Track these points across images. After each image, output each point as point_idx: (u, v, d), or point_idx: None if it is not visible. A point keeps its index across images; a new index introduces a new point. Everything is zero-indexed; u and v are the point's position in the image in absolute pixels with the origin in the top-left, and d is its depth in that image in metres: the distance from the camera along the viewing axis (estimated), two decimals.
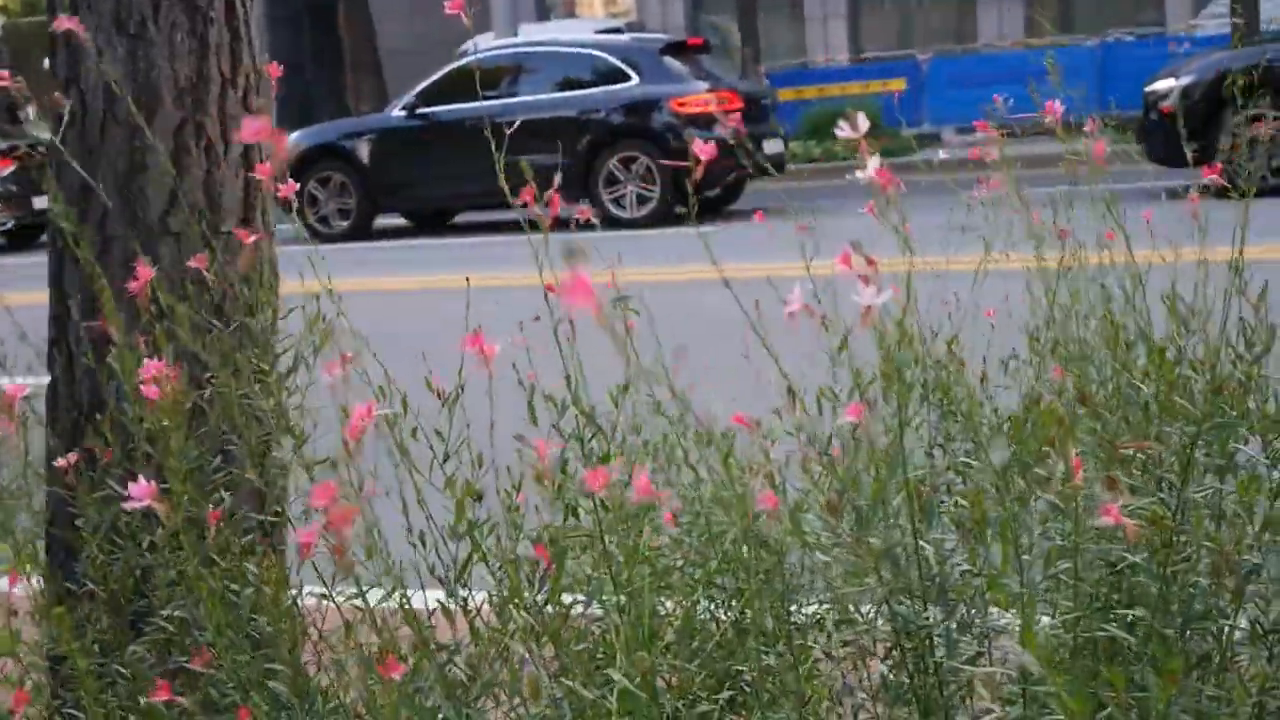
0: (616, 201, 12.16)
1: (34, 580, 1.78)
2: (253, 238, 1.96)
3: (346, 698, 1.65)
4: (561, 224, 1.59)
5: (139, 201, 2.14)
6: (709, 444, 1.60)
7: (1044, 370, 1.99)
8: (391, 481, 1.45)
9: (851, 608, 1.69)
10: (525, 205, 1.39)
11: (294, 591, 1.70)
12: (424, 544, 1.64)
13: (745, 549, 1.78)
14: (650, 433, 1.93)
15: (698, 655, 1.68)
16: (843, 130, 1.25)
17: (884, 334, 1.35)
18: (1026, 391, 1.96)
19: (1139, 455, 1.63)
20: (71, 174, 2.16)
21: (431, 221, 13.51)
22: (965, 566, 1.52)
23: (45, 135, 2.21)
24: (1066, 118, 2.02)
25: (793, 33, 22.16)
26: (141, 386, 1.52)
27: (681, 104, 12.05)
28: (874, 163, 1.24)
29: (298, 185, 1.92)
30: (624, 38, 13.72)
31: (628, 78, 12.48)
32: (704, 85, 12.30)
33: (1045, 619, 1.50)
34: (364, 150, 12.98)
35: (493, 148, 1.83)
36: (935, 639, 1.51)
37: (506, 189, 1.68)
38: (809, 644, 1.73)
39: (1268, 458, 1.67)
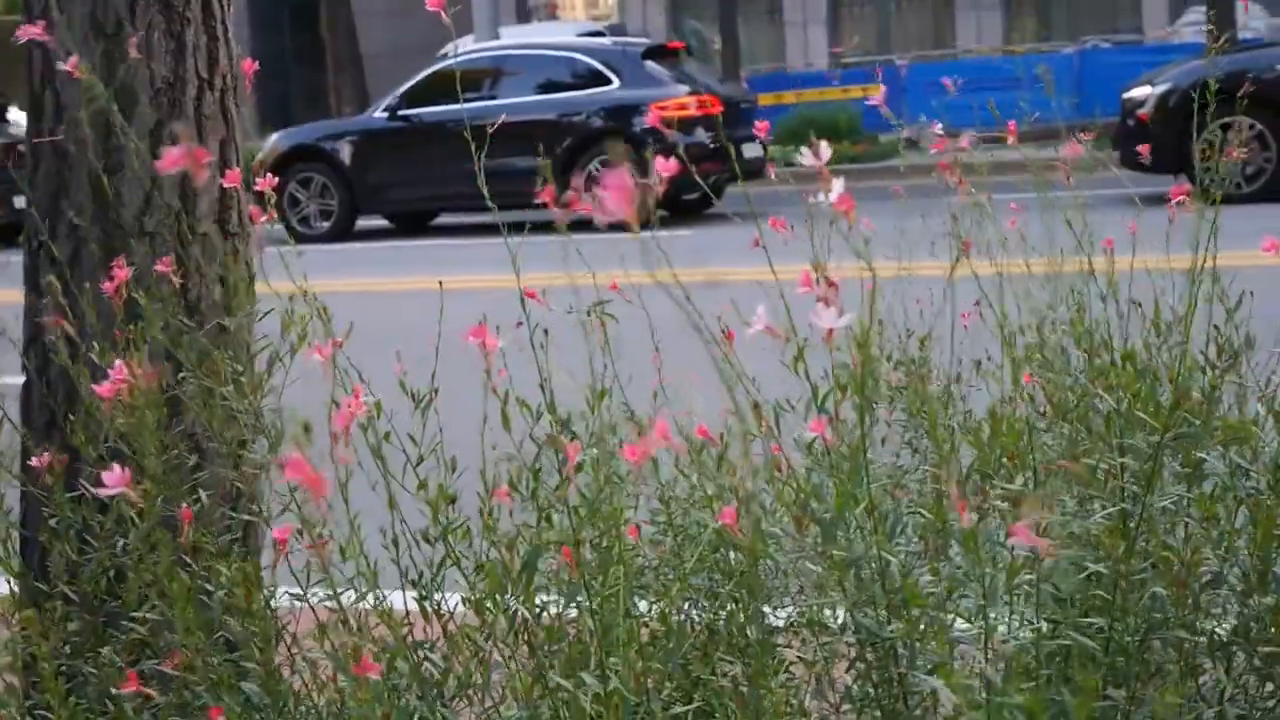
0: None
1: (6, 580, 1.77)
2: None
3: (320, 699, 1.64)
4: (549, 225, 1.59)
5: (114, 202, 2.13)
6: (698, 452, 1.61)
7: (1015, 375, 2.00)
8: (365, 484, 1.45)
9: (823, 614, 1.70)
10: (545, 205, 1.39)
11: (268, 592, 1.69)
12: (397, 547, 1.64)
13: (719, 551, 1.79)
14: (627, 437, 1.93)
15: (671, 658, 1.68)
16: (805, 157, 1.26)
17: (844, 349, 1.35)
18: (994, 398, 1.97)
19: (1100, 466, 1.64)
20: (47, 174, 2.15)
21: (412, 223, 13.50)
22: (928, 577, 1.52)
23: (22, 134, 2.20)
24: (1043, 123, 2.04)
25: (772, 37, 22.22)
26: (96, 387, 1.51)
27: (662, 107, 12.07)
28: (838, 187, 1.24)
29: (275, 182, 1.91)
30: (605, 41, 13.74)
31: (608, 81, 12.50)
32: (684, 89, 12.33)
33: (1002, 628, 1.51)
34: (346, 151, 12.97)
35: (479, 149, 1.83)
36: (898, 649, 1.51)
37: (486, 192, 1.69)
38: (781, 647, 1.73)
39: (1229, 468, 1.68)
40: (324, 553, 1.28)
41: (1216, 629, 1.58)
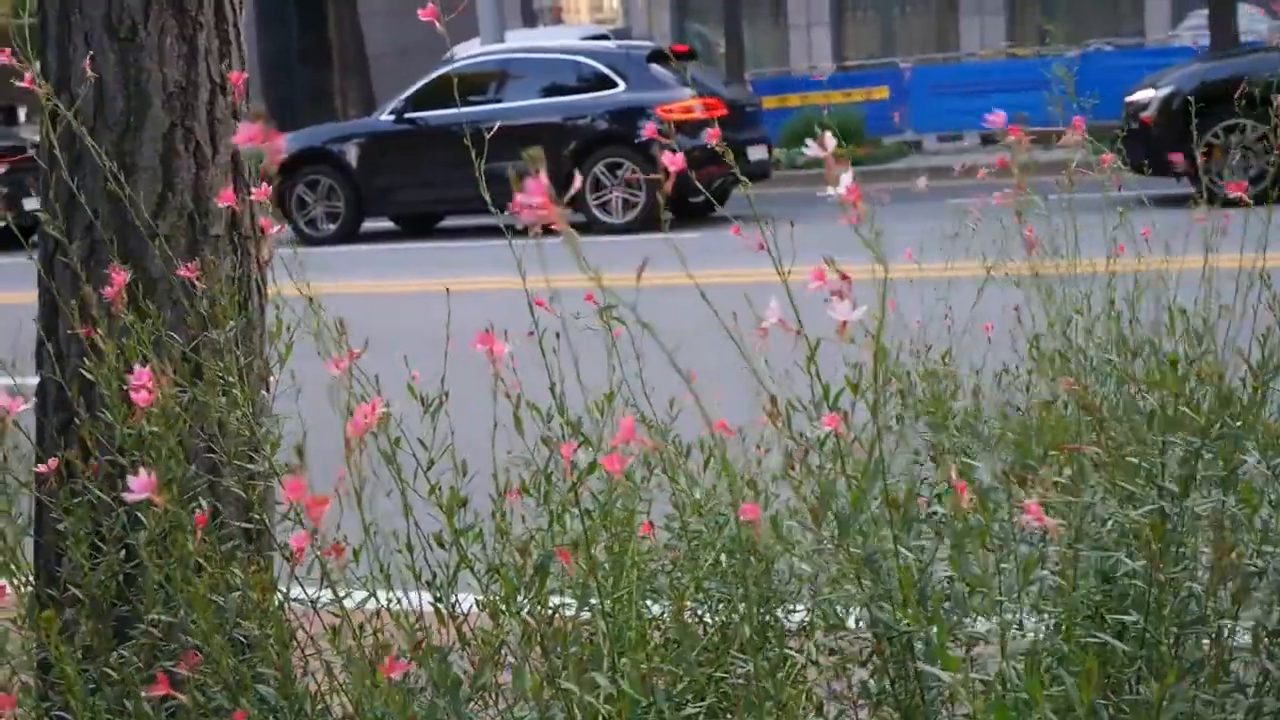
0: (603, 206, 12.19)
1: (19, 584, 1.78)
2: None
3: (334, 701, 1.65)
4: (547, 230, 1.60)
5: (128, 204, 2.15)
6: (704, 454, 1.61)
7: (1044, 378, 2.01)
8: (377, 486, 1.46)
9: (838, 611, 1.70)
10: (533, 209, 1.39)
11: (281, 594, 1.70)
12: (410, 551, 1.65)
13: (731, 556, 1.80)
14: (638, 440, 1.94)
15: (684, 660, 1.69)
16: (811, 149, 1.27)
17: (858, 345, 1.36)
18: (1024, 399, 1.98)
19: (1142, 464, 1.65)
20: (61, 176, 2.16)
21: (418, 225, 13.52)
22: (947, 573, 1.53)
23: (37, 137, 2.22)
24: (1049, 127, 2.05)
25: (777, 41, 22.23)
26: (132, 393, 1.52)
27: (668, 111, 12.09)
28: (846, 179, 1.25)
29: (269, 191, 1.92)
30: (610, 45, 13.75)
31: (614, 84, 12.52)
32: (689, 92, 12.35)
33: (1029, 625, 1.52)
34: (352, 154, 13.01)
35: (480, 153, 1.85)
36: (915, 645, 1.52)
37: (488, 196, 1.70)
38: (793, 651, 1.74)
39: (1270, 471, 1.69)
40: (340, 559, 1.30)
41: (1261, 622, 1.59)
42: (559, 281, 1.72)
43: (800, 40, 22.06)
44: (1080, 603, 1.53)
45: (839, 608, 1.74)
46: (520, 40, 15.36)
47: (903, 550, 1.46)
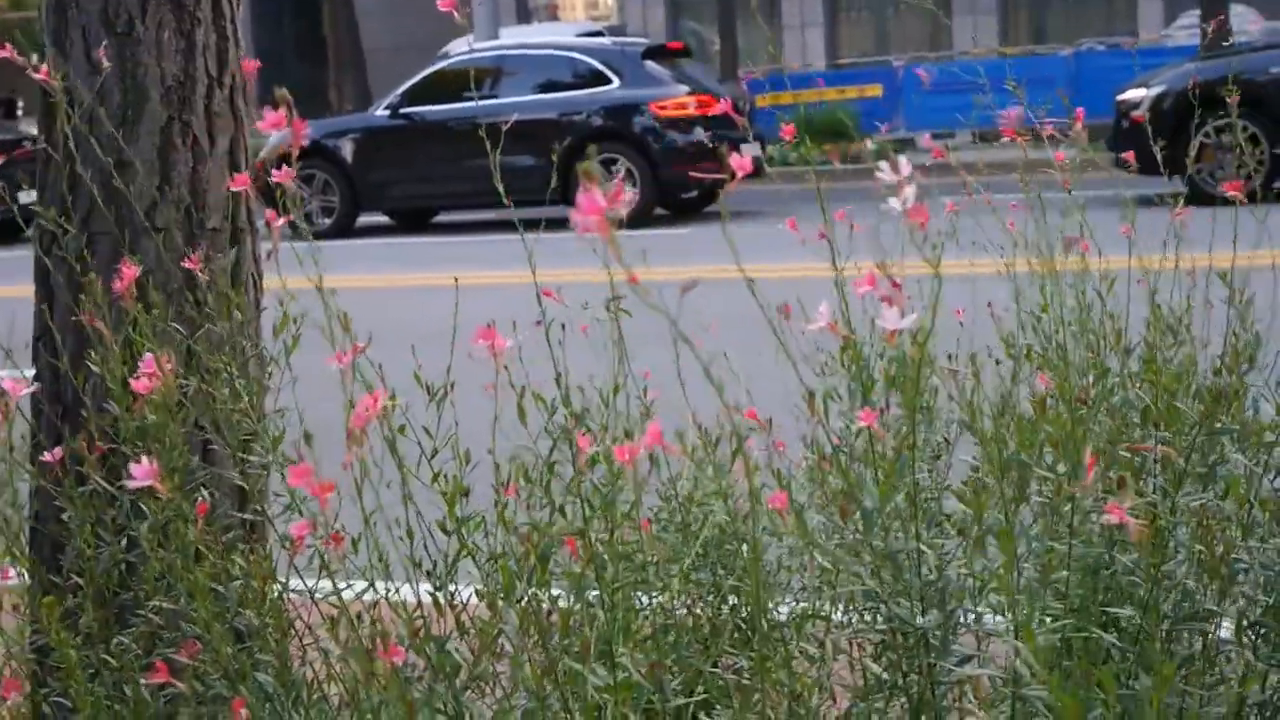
0: None
1: (19, 572, 1.80)
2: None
3: (331, 689, 1.67)
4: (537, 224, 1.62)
5: (124, 198, 2.16)
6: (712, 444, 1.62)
7: (1023, 373, 2.03)
8: (377, 477, 1.47)
9: (840, 607, 1.72)
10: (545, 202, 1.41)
11: (280, 584, 1.72)
12: (411, 540, 1.67)
13: (720, 547, 1.81)
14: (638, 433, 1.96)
15: (675, 651, 1.71)
16: (885, 174, 1.26)
17: (897, 348, 1.38)
18: (1002, 394, 2.00)
19: (1134, 458, 1.67)
20: (58, 169, 2.18)
21: (413, 220, 13.53)
22: (963, 569, 1.55)
23: (34, 130, 2.23)
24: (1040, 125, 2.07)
25: (771, 39, 22.25)
26: (133, 381, 1.54)
27: (661, 107, 12.11)
28: (911, 194, 1.25)
29: (292, 175, 1.93)
30: (605, 41, 13.77)
31: (609, 81, 12.53)
32: (684, 89, 12.37)
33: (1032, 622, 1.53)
34: (348, 149, 13.01)
35: (476, 148, 1.86)
36: (930, 640, 1.54)
37: (501, 188, 1.71)
38: (784, 641, 1.76)
39: (1257, 465, 1.71)
40: (339, 548, 1.31)
41: (1245, 611, 1.61)
42: (554, 276, 1.74)
43: (794, 39, 22.08)
44: (1075, 599, 1.56)
45: (829, 602, 1.76)
46: (516, 36, 15.37)
47: (922, 546, 1.48)
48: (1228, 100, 2.03)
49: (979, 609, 1.56)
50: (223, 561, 1.62)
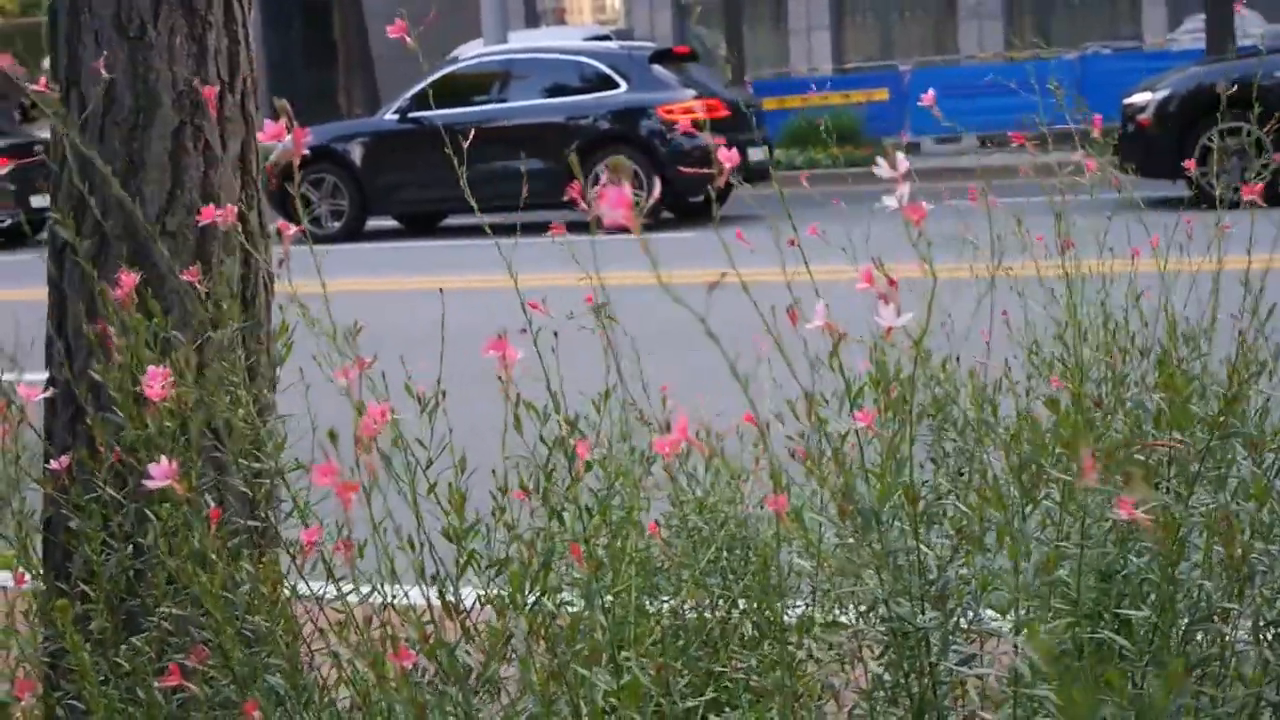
0: None
1: (29, 577, 1.80)
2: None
3: (340, 693, 1.68)
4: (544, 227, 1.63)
5: (137, 202, 2.17)
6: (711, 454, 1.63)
7: (1042, 380, 2.03)
8: (386, 483, 1.48)
9: (846, 609, 1.73)
10: (572, 202, 1.43)
11: (290, 588, 1.72)
12: (414, 547, 1.67)
13: (731, 551, 1.82)
14: (639, 438, 1.97)
15: (684, 654, 1.71)
16: (882, 169, 1.28)
17: (885, 346, 1.39)
18: (1024, 402, 2.01)
19: (1149, 460, 1.68)
20: (71, 173, 2.19)
21: (422, 224, 13.57)
22: (963, 570, 1.56)
23: (45, 135, 2.24)
24: (1046, 129, 2.08)
25: (777, 43, 22.27)
26: (145, 389, 1.55)
27: (669, 111, 12.13)
28: (905, 192, 1.26)
29: (280, 188, 1.95)
30: (613, 46, 13.79)
31: (616, 85, 12.56)
32: (691, 93, 12.38)
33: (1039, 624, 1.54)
34: (357, 153, 13.06)
35: (484, 152, 1.87)
36: (931, 640, 1.54)
37: (499, 194, 1.72)
38: (794, 645, 1.77)
39: (1266, 469, 1.72)
40: (349, 554, 1.32)
41: (1260, 611, 1.62)
42: (557, 279, 1.75)
43: (800, 43, 22.09)
44: (1087, 601, 1.56)
45: (838, 606, 1.76)
46: (523, 41, 15.40)
47: (922, 547, 1.49)
48: (1240, 101, 2.03)
49: (979, 609, 1.56)
50: (229, 567, 1.63)
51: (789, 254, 1.62)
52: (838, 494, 1.47)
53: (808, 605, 1.80)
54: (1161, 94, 10.44)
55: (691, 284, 1.31)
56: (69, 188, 2.20)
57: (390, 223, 13.73)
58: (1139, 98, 10.67)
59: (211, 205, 1.45)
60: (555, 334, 1.76)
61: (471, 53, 14.27)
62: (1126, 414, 1.85)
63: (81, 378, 2.11)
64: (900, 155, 1.30)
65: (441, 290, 2.02)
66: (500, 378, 1.51)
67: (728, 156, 1.24)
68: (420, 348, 1.96)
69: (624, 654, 1.55)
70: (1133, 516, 1.18)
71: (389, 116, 13.23)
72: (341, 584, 1.61)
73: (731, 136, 11.39)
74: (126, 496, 1.85)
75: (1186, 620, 1.61)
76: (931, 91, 2.03)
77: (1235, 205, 2.00)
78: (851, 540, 1.52)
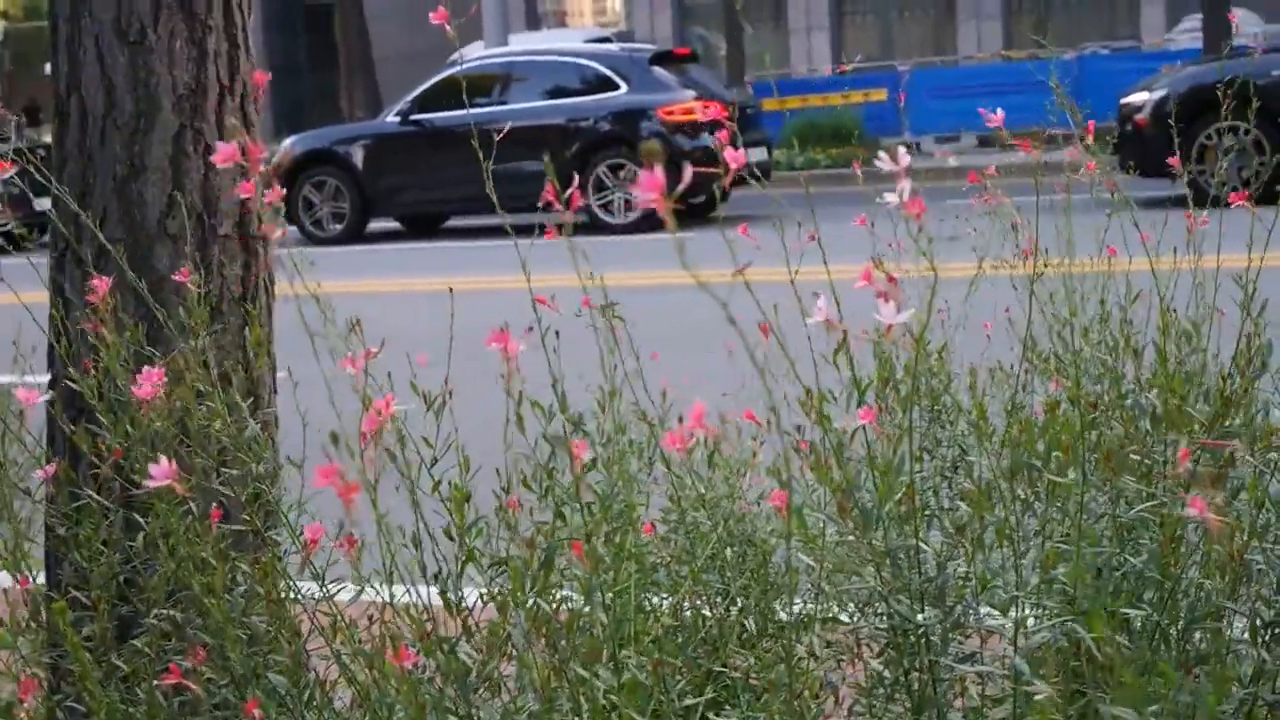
0: (605, 207, 12.26)
1: (30, 578, 1.81)
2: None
3: (340, 692, 1.68)
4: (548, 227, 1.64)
5: (137, 205, 2.18)
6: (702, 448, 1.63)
7: (1040, 378, 2.04)
8: (385, 481, 1.49)
9: (845, 606, 1.73)
10: (549, 205, 1.43)
11: (290, 585, 1.73)
12: (416, 545, 1.68)
13: (730, 548, 1.83)
14: (638, 435, 1.98)
15: (683, 651, 1.72)
16: (884, 163, 1.29)
17: (887, 343, 1.39)
18: (1011, 399, 2.01)
19: (1143, 462, 1.69)
20: (72, 176, 2.20)
21: (424, 226, 13.59)
22: (962, 568, 1.57)
23: (47, 139, 2.25)
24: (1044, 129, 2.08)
25: (777, 44, 22.28)
26: (135, 390, 1.56)
27: (669, 112, 12.14)
28: (908, 189, 1.27)
29: (285, 191, 1.96)
30: (613, 47, 13.80)
31: (616, 86, 12.57)
32: (691, 94, 12.40)
33: (1031, 621, 1.54)
34: (358, 155, 13.09)
35: (483, 154, 1.88)
36: (930, 637, 1.55)
37: (494, 196, 1.73)
38: (794, 642, 1.77)
39: (1264, 467, 1.72)
40: (353, 553, 1.33)
41: (1258, 612, 1.62)
42: (557, 280, 1.76)
43: (800, 44, 22.09)
44: (1085, 599, 1.57)
45: (837, 603, 1.77)
46: (524, 43, 15.41)
47: (921, 545, 1.50)
48: (1239, 102, 2.04)
49: (979, 607, 1.57)
50: (226, 566, 1.63)
51: (792, 253, 1.63)
52: (838, 491, 1.48)
53: (805, 602, 1.80)
54: (1159, 94, 10.46)
55: (687, 284, 1.31)
56: (70, 191, 2.20)
57: (393, 225, 13.75)
58: (1136, 97, 10.68)
59: (225, 145, 1.43)
60: (557, 333, 1.77)
61: (473, 55, 14.28)
62: (1124, 413, 1.85)
63: (83, 381, 2.12)
64: (902, 150, 1.31)
65: (451, 289, 2.02)
66: (509, 374, 1.51)
67: (734, 157, 1.24)
68: (423, 348, 1.96)
69: (624, 652, 1.55)
70: (1204, 515, 1.18)
71: (390, 119, 13.25)
72: (339, 583, 1.62)
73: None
74: (114, 502, 1.86)
75: (1184, 619, 1.62)
76: (903, 94, 2.03)
77: (1226, 204, 2.01)
78: (851, 538, 1.53)
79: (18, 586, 1.78)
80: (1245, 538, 1.66)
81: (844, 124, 16.44)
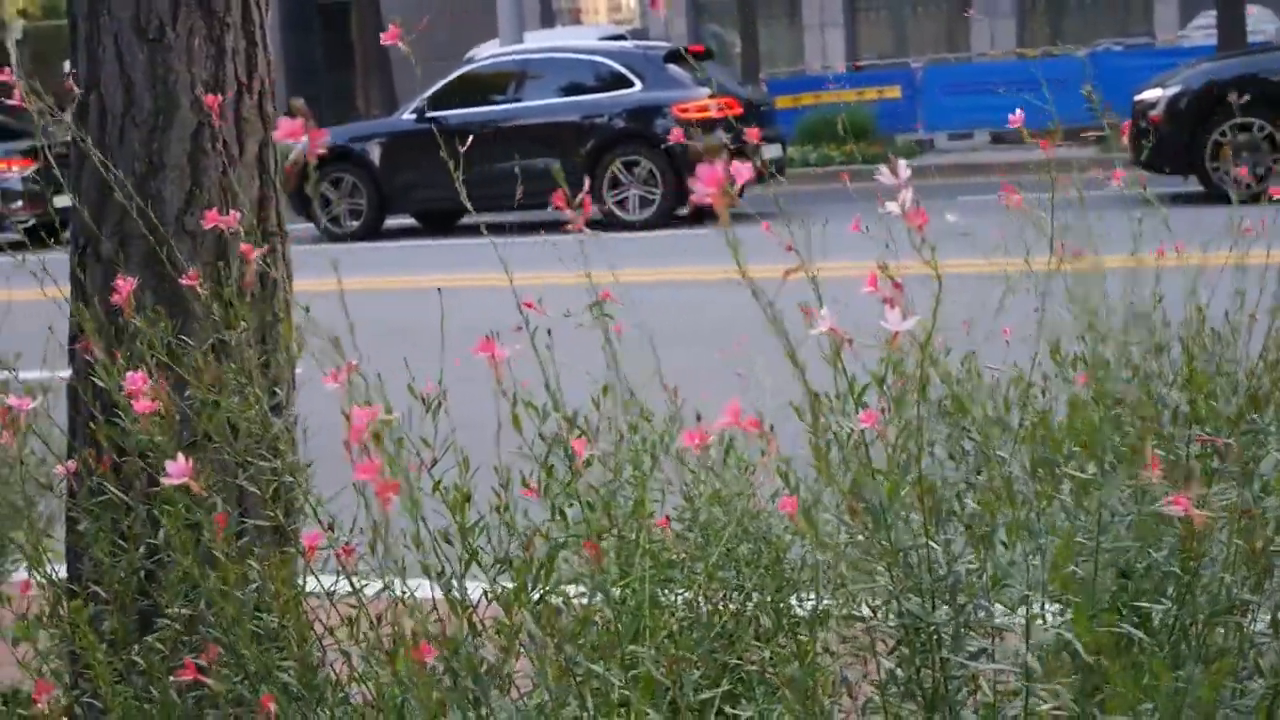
0: (620, 204, 12.27)
1: (40, 578, 1.82)
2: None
3: (354, 689, 1.69)
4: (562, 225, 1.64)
5: (156, 202, 2.19)
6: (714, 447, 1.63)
7: (1066, 376, 2.03)
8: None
9: (862, 604, 1.74)
10: (556, 208, 1.44)
11: (303, 584, 1.74)
12: (418, 546, 1.69)
13: (745, 546, 1.83)
14: (644, 431, 1.98)
15: (698, 646, 1.73)
16: (884, 175, 1.29)
17: (895, 346, 1.39)
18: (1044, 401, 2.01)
19: (1167, 458, 1.69)
20: (91, 175, 2.21)
21: (439, 222, 13.61)
22: (973, 566, 1.57)
23: (67, 137, 2.26)
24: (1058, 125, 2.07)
25: (791, 41, 22.25)
26: (135, 404, 1.56)
27: (684, 109, 12.14)
28: (908, 198, 1.27)
29: (302, 187, 1.97)
30: (628, 45, 13.80)
31: (631, 84, 12.57)
32: (705, 91, 12.39)
33: (1049, 617, 1.54)
34: (375, 153, 13.13)
35: (501, 151, 1.89)
36: (942, 635, 1.55)
37: (521, 189, 1.74)
38: (808, 638, 1.78)
39: None
40: (352, 558, 1.34)
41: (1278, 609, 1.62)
42: (575, 278, 1.77)
43: (814, 40, 22.06)
44: (1103, 595, 1.57)
45: (851, 600, 1.77)
46: (539, 41, 15.42)
47: (932, 543, 1.50)
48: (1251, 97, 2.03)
49: (990, 604, 1.57)
50: (240, 565, 1.64)
51: (804, 250, 1.62)
52: (847, 492, 1.48)
53: (819, 599, 1.81)
54: (1172, 90, 10.40)
55: (700, 281, 1.32)
56: (90, 189, 2.22)
57: (408, 221, 13.78)
58: (1150, 94, 10.63)
59: (217, 210, 1.46)
60: (549, 332, 1.77)
61: (487, 53, 14.29)
62: (1147, 409, 1.85)
63: (107, 374, 2.13)
64: (902, 162, 1.31)
65: (440, 290, 2.03)
66: (498, 378, 1.52)
67: (740, 171, 1.25)
68: (437, 344, 1.97)
69: (637, 646, 1.56)
70: (1188, 511, 1.17)
71: (406, 117, 13.28)
72: (356, 580, 1.63)
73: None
74: (134, 498, 1.87)
75: (1206, 614, 1.62)
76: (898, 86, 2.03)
77: (1246, 200, 2.00)
78: (862, 538, 1.53)
79: (39, 580, 1.79)
80: (1271, 532, 1.66)
81: (859, 121, 16.41)
